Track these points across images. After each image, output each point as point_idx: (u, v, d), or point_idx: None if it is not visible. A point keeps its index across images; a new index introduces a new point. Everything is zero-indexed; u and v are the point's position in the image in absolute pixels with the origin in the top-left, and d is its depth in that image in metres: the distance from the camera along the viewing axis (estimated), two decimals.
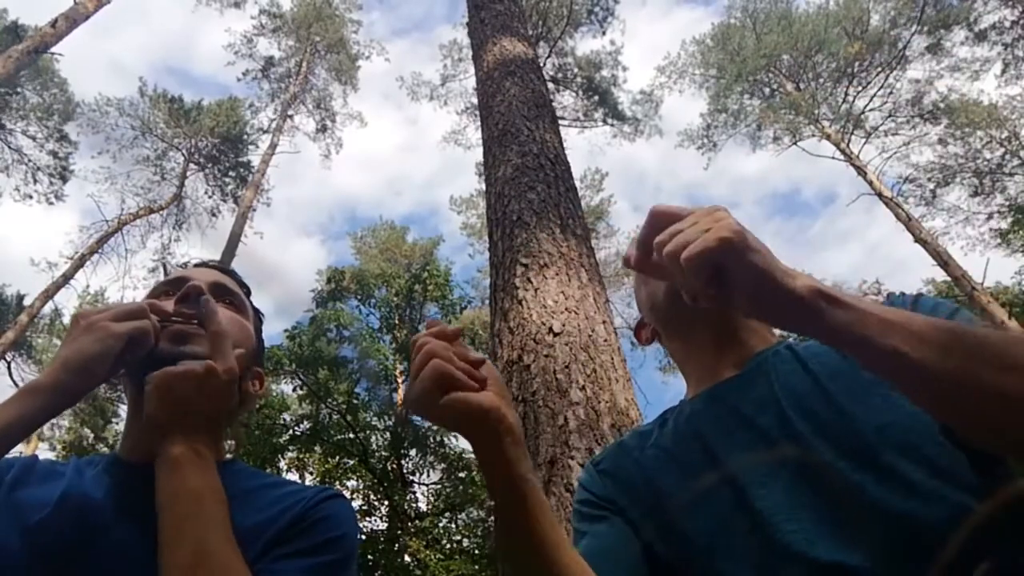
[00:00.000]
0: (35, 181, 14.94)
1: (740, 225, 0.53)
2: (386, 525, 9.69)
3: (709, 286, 0.53)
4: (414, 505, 9.64)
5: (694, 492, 0.65)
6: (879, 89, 14.47)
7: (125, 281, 15.30)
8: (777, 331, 0.83)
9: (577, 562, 0.56)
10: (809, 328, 0.52)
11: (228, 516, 0.60)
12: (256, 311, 0.92)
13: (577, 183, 4.30)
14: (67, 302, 14.72)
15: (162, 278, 0.86)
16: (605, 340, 2.77)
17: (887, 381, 0.54)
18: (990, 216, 13.51)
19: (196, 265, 0.92)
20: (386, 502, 9.79)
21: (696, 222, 0.53)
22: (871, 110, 14.57)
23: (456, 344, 0.55)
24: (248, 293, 0.92)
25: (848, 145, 14.14)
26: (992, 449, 0.51)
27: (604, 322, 2.90)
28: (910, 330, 0.47)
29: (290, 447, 9.65)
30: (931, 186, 13.89)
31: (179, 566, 0.55)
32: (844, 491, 0.57)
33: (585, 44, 28.39)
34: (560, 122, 5.22)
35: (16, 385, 14.31)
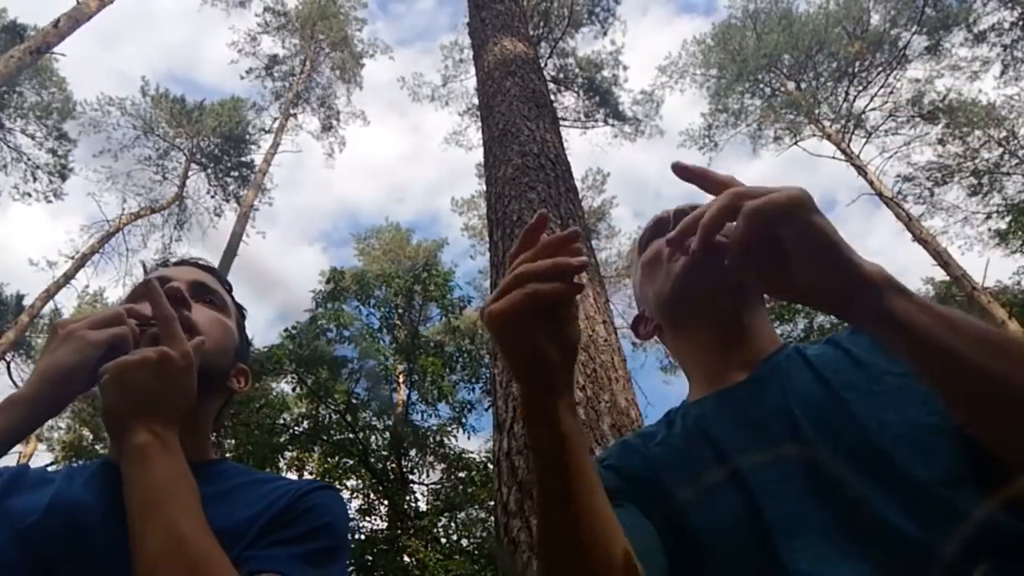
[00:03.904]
0: (34, 179, 14.97)
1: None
2: (386, 525, 9.69)
3: (761, 252, 0.51)
4: (413, 505, 9.62)
5: (702, 492, 0.64)
6: (879, 89, 14.48)
7: (126, 281, 15.32)
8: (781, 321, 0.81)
9: (609, 509, 0.54)
10: (862, 313, 0.51)
11: (199, 502, 0.59)
12: (239, 307, 0.91)
13: (578, 184, 4.30)
14: (67, 302, 14.76)
15: (142, 278, 0.84)
16: (605, 340, 2.77)
17: (929, 380, 0.52)
18: (988, 216, 13.51)
19: (176, 263, 0.89)
20: (386, 502, 9.78)
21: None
22: (871, 110, 14.58)
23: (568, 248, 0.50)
24: (230, 290, 0.90)
25: (848, 145, 14.14)
26: (1017, 458, 0.50)
27: (604, 322, 2.90)
28: (971, 330, 0.47)
29: (290, 447, 9.65)
30: (929, 185, 13.89)
31: (150, 553, 0.54)
32: (853, 504, 0.56)
33: (586, 45, 28.38)
34: (561, 123, 5.22)
35: (16, 385, 14.32)
